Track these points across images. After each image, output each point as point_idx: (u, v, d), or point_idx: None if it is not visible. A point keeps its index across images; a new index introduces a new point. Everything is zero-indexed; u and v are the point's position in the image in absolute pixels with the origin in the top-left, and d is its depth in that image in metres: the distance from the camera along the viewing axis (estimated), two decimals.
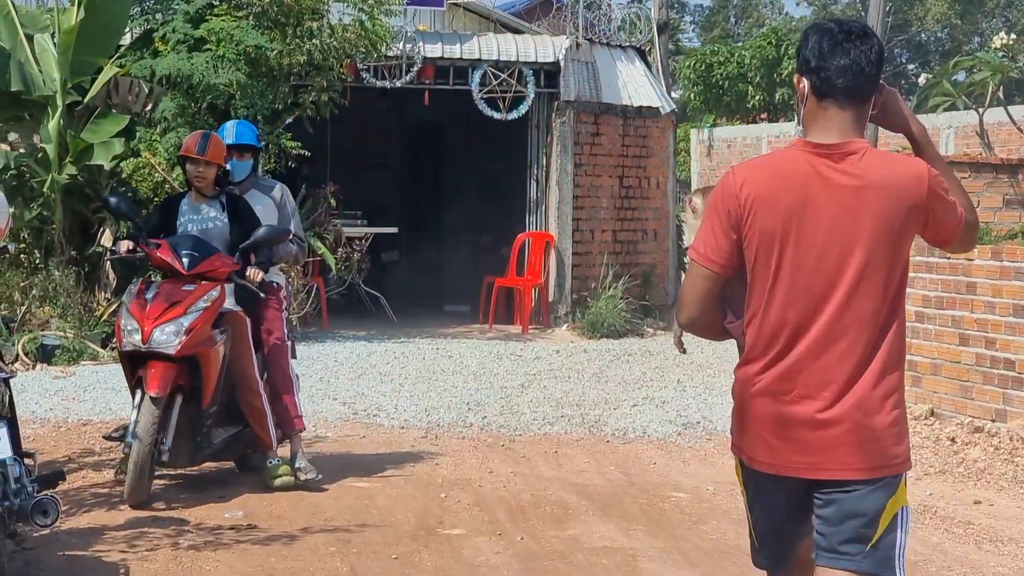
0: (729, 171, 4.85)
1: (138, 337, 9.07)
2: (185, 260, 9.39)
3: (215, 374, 9.36)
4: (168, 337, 9.06)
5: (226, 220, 9.71)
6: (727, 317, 4.97)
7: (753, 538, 5.01)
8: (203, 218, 9.71)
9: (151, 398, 8.94)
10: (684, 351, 7.15)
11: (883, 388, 4.65)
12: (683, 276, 25.90)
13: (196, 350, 9.19)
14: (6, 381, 7.24)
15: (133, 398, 9.22)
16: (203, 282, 9.37)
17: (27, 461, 7.32)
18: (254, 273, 9.59)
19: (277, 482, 9.65)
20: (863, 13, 46.08)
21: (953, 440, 11.45)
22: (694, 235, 5.19)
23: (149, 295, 9.29)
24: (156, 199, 16.92)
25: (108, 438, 9.93)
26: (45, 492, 7.16)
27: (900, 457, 4.68)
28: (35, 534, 7.79)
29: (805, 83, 4.76)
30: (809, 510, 4.77)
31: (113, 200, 9.94)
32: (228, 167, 9.88)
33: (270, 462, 9.79)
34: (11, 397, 7.32)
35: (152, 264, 9.89)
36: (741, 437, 4.85)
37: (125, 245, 9.69)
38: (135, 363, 9.21)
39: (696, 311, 4.89)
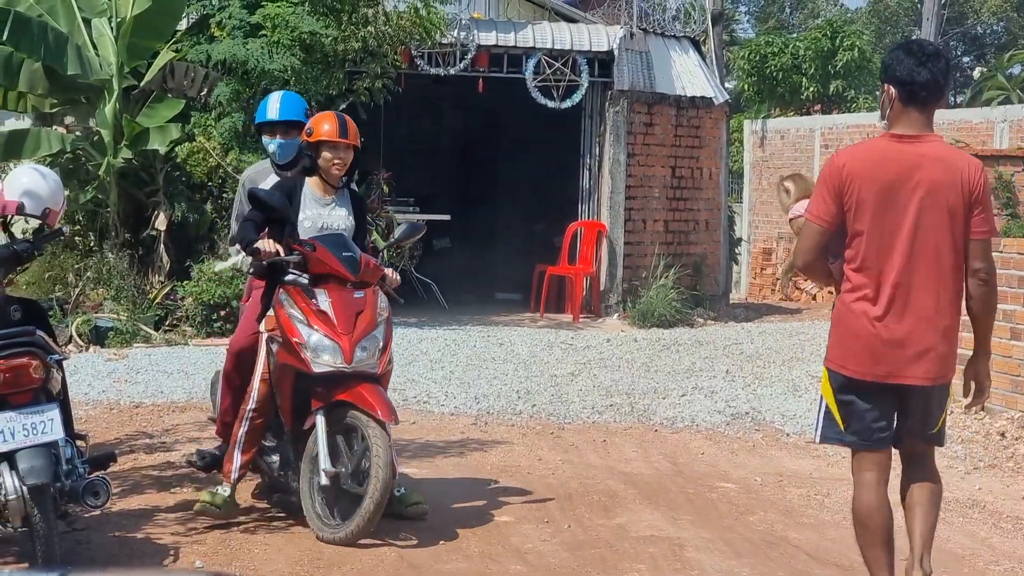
0: (834, 155, 6.61)
1: (331, 356, 7.99)
2: (347, 265, 8.18)
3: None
4: (367, 355, 8.08)
5: (353, 222, 8.53)
6: (828, 260, 6.63)
7: (841, 425, 6.61)
8: (332, 215, 8.43)
9: (386, 426, 7.92)
10: (786, 296, 8.95)
11: (944, 323, 6.43)
12: (733, 266, 25.90)
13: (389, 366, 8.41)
14: (59, 363, 7.31)
15: (289, 424, 8.37)
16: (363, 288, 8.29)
17: (79, 443, 7.41)
18: (394, 277, 8.62)
19: (412, 511, 8.54)
20: (919, 4, 45.79)
21: (1003, 435, 11.39)
22: (787, 211, 7.59)
23: (322, 305, 8.12)
24: (211, 183, 17.06)
25: (191, 464, 9.01)
26: (96, 473, 7.24)
27: (952, 370, 6.53)
28: (86, 515, 7.87)
29: (893, 91, 6.45)
30: (892, 406, 6.54)
31: (265, 194, 8.32)
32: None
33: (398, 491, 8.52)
34: (64, 379, 7.39)
35: (301, 269, 8.23)
36: (836, 351, 6.56)
37: (270, 247, 8.12)
38: (302, 380, 8.19)
39: (811, 256, 6.59)
